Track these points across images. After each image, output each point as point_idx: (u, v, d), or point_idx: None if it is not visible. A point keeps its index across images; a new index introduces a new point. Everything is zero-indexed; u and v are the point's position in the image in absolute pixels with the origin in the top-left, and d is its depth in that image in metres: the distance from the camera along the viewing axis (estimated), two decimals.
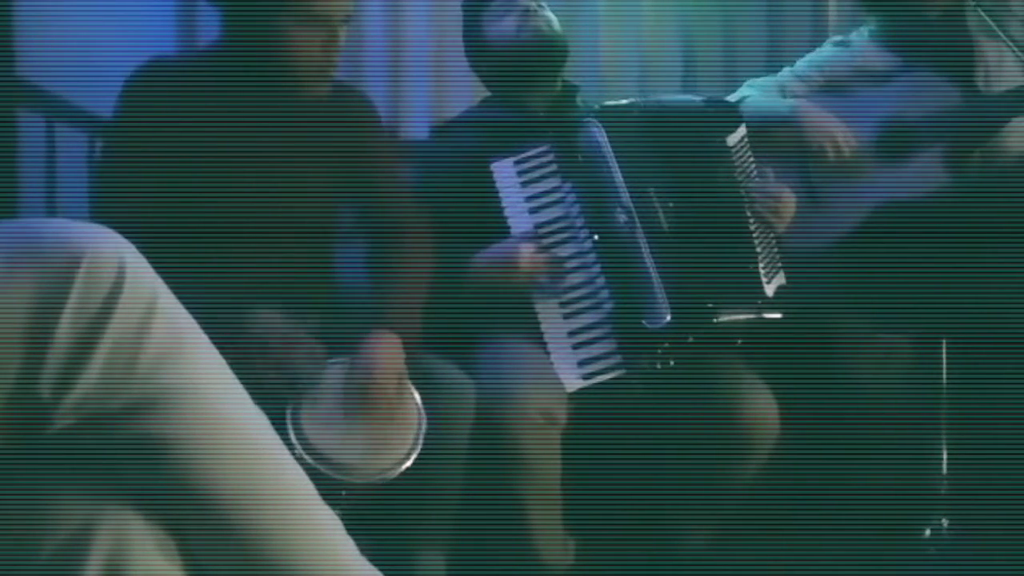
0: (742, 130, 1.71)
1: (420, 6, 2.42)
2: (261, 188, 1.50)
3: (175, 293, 0.68)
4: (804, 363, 1.88)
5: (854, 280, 1.90)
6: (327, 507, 0.69)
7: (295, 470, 0.69)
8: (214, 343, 0.68)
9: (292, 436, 1.35)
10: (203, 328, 0.68)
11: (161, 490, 0.65)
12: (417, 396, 1.46)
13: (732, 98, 2.06)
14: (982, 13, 1.68)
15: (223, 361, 0.67)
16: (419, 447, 1.42)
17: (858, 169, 1.91)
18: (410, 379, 1.47)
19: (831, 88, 1.99)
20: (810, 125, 1.91)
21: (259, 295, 1.45)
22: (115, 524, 0.63)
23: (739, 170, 1.70)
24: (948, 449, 1.84)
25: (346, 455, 1.37)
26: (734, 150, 1.70)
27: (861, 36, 2.03)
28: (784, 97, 2.01)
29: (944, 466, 1.83)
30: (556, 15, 1.85)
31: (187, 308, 0.69)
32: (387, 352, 1.44)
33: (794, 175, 1.96)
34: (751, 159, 1.73)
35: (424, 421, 1.44)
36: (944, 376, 1.86)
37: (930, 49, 1.90)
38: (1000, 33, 1.67)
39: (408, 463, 1.41)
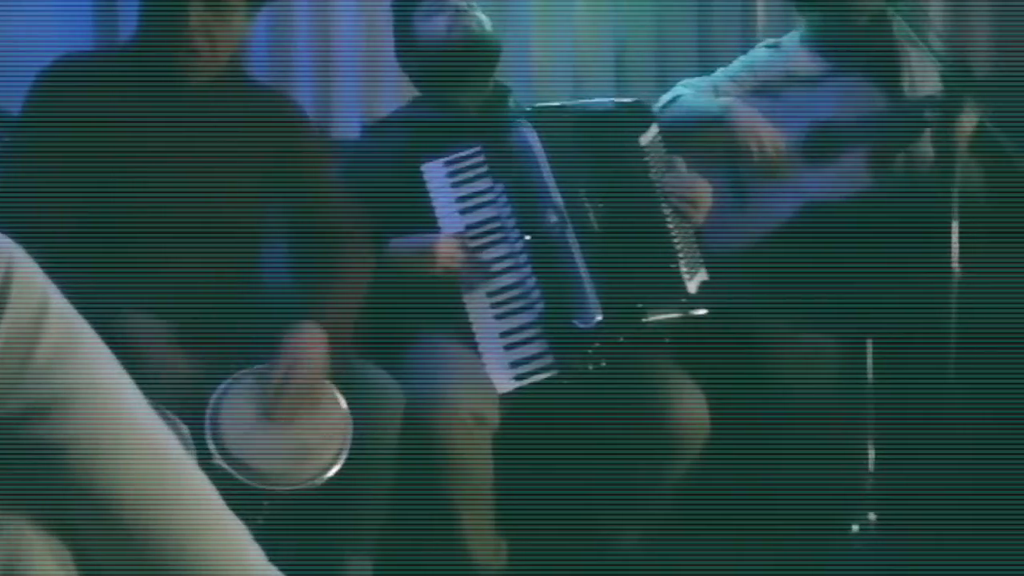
0: (654, 129, 1.75)
1: (350, 2, 2.41)
2: (175, 188, 1.48)
3: (84, 295, 0.66)
4: (732, 361, 1.93)
5: (780, 279, 1.95)
6: (231, 512, 0.68)
7: (196, 472, 0.68)
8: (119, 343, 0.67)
9: (211, 445, 1.33)
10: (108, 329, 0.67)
11: (58, 494, 0.64)
12: (343, 401, 1.45)
13: (666, 97, 2.10)
14: (901, 20, 1.74)
15: (118, 362, 0.66)
16: (345, 453, 1.41)
17: (786, 170, 1.96)
18: (336, 383, 1.46)
19: (762, 90, 2.04)
20: (740, 125, 1.94)
21: (177, 297, 1.43)
22: (10, 532, 0.62)
23: (654, 169, 1.73)
24: (874, 446, 1.90)
25: (269, 463, 1.35)
26: (648, 149, 1.73)
27: (792, 39, 2.08)
28: (717, 97, 2.05)
29: (871, 463, 1.90)
30: (488, 16, 1.87)
31: (96, 309, 0.67)
32: (311, 346, 1.43)
33: (724, 174, 2.01)
34: (666, 157, 1.76)
35: (350, 426, 1.43)
36: (869, 374, 1.92)
37: (858, 54, 1.95)
38: (918, 40, 1.73)
39: (333, 470, 1.39)
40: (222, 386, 1.39)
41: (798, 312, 1.93)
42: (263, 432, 1.38)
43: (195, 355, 1.41)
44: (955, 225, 1.48)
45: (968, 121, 1.60)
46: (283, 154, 1.60)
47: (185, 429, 1.30)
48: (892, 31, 1.90)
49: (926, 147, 1.90)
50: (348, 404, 1.45)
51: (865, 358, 1.92)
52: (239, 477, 1.32)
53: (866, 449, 1.90)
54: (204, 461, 1.32)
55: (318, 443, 1.40)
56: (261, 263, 1.66)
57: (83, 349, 0.64)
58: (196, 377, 1.38)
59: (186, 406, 1.30)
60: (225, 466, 1.32)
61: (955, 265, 1.49)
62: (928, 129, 1.85)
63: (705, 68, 2.23)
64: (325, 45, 2.45)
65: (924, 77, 1.90)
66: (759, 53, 2.11)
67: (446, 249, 1.65)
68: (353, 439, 1.43)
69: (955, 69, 1.54)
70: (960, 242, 1.51)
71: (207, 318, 1.45)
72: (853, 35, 1.98)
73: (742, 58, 2.12)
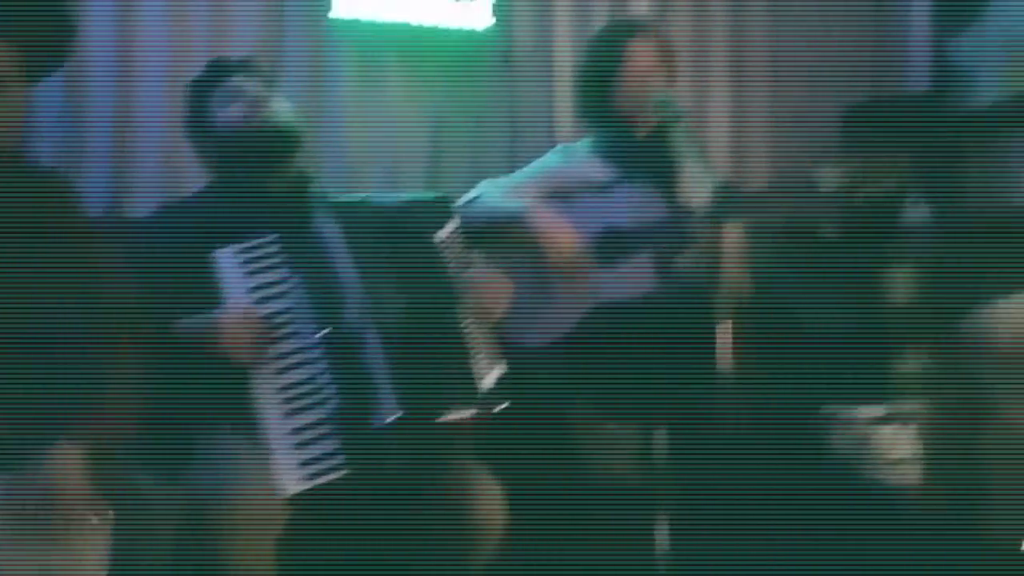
0: (452, 225, 1.73)
1: (155, 70, 2.31)
2: None
3: None
4: (533, 452, 1.93)
5: (579, 371, 1.99)
6: None
7: None
8: None
9: None
10: None
11: None
12: (104, 515, 1.30)
13: (468, 196, 2.12)
14: (676, 137, 1.85)
15: None
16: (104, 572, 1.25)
17: (581, 270, 2.02)
18: (101, 492, 1.31)
19: (557, 193, 2.11)
20: (537, 226, 1.99)
21: None
22: None
23: (451, 265, 1.70)
24: (668, 531, 1.94)
25: None
26: (445, 245, 1.70)
27: (585, 147, 2.18)
28: (517, 198, 2.10)
29: (662, 546, 1.93)
30: (299, 104, 1.82)
31: None
32: (71, 460, 1.28)
33: (526, 271, 2.04)
34: (464, 253, 1.74)
35: (108, 543, 1.27)
36: (661, 460, 1.98)
37: (639, 165, 2.05)
38: (691, 155, 1.85)
39: None
40: None
41: (596, 403, 1.97)
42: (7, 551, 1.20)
43: None
44: (723, 326, 1.57)
45: (734, 232, 1.71)
46: (50, 238, 1.45)
47: None
48: (670, 144, 2.02)
49: (701, 254, 2.01)
50: (110, 516, 1.29)
51: (654, 445, 1.98)
52: None
53: (658, 534, 1.94)
54: None
55: (71, 565, 1.24)
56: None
57: None
58: None
59: None
60: None
61: (723, 363, 1.57)
62: (701, 238, 1.96)
63: (515, 165, 2.28)
64: (124, 121, 2.33)
65: (698, 190, 2.03)
66: (554, 158, 2.17)
67: (233, 322, 1.55)
68: (114, 554, 1.27)
69: (723, 185, 1.66)
70: (732, 341, 1.60)
71: None
72: (634, 147, 2.08)
73: (540, 161, 2.18)
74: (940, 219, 2.16)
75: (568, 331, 2.01)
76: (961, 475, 1.90)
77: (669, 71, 2.11)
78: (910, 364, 2.41)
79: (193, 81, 1.85)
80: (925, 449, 2.10)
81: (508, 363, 1.75)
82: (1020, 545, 1.83)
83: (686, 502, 1.91)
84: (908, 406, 2.32)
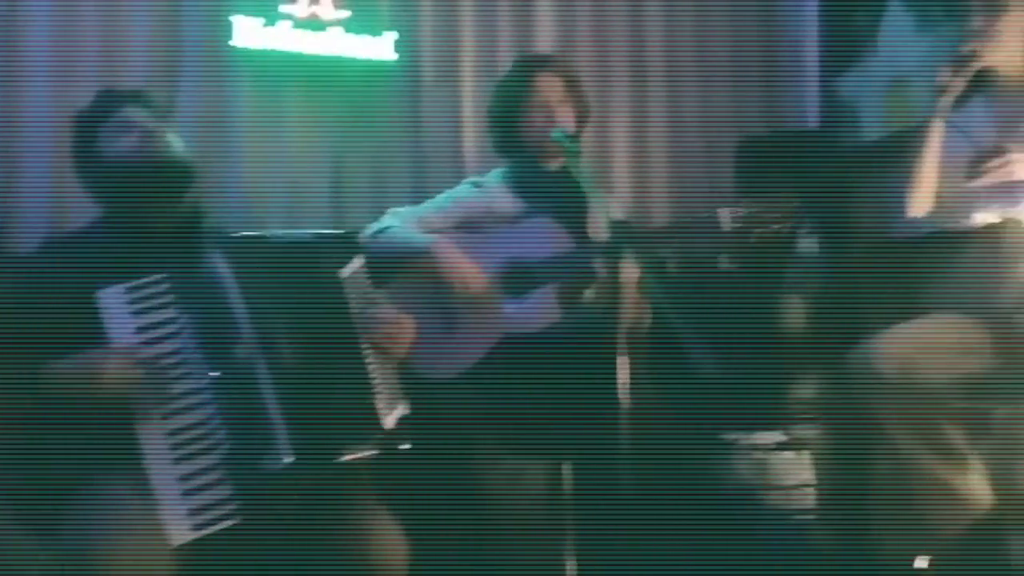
0: (357, 262, 1.68)
1: (42, 100, 2.21)
2: None
3: None
4: (437, 488, 1.89)
5: (484, 406, 1.96)
6: None
7: None
8: None
9: None
10: None
11: None
12: None
13: (375, 227, 2.10)
14: (575, 171, 1.87)
15: None
16: None
17: (488, 302, 2.01)
18: None
19: (465, 224, 2.09)
20: (442, 260, 1.97)
21: None
22: None
23: (354, 303, 1.65)
24: (576, 563, 1.93)
25: None
26: (348, 282, 1.65)
27: (495, 179, 2.16)
28: (423, 229, 2.08)
29: None
30: (197, 139, 1.76)
31: None
32: None
33: (432, 304, 2.01)
34: (369, 290, 1.70)
35: None
36: (568, 494, 1.97)
37: (548, 198, 2.05)
38: (595, 192, 1.87)
39: None
40: None
41: (500, 437, 1.95)
42: None
43: None
44: (623, 359, 1.58)
45: (632, 268, 1.73)
46: None
47: None
48: (579, 180, 2.05)
49: (604, 288, 2.02)
50: None
51: (562, 479, 1.97)
52: None
53: (567, 567, 1.93)
54: None
55: None
56: None
57: None
58: None
59: None
60: None
61: (622, 397, 1.58)
62: (604, 271, 1.97)
63: (420, 199, 2.26)
64: (7, 152, 2.22)
65: (603, 223, 2.05)
66: (463, 189, 2.16)
67: (116, 362, 1.46)
68: None
69: (619, 222, 1.68)
70: (629, 374, 1.61)
71: None
72: (543, 181, 2.09)
73: (448, 192, 2.17)
74: (829, 251, 2.24)
75: (474, 363, 1.99)
76: (854, 499, 1.96)
77: (578, 105, 2.13)
78: (807, 391, 2.48)
79: (81, 112, 1.77)
80: (819, 474, 2.15)
81: (414, 396, 1.72)
82: (912, 564, 1.88)
83: (592, 534, 1.90)
84: (806, 432, 2.39)
